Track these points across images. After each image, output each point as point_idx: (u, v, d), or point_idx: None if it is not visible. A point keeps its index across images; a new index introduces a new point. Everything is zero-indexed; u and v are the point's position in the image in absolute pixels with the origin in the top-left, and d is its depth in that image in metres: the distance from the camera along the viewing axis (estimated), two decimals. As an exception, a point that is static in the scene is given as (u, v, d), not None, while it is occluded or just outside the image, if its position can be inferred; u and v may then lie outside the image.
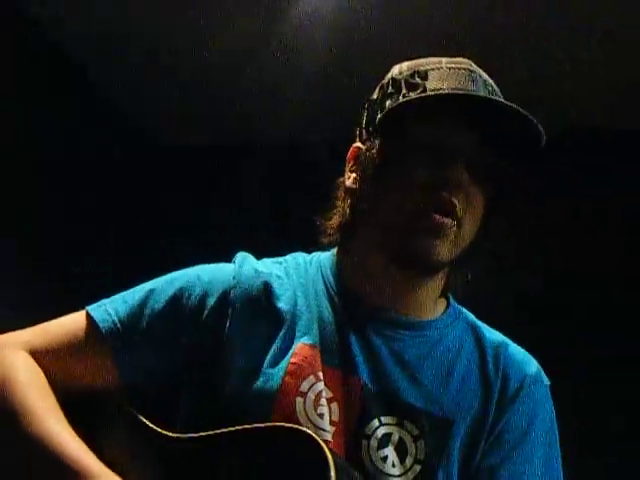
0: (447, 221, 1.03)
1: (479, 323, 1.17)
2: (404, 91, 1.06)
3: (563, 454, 1.10)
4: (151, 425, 1.05)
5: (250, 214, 3.23)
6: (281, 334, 1.07)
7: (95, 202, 3.11)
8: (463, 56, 1.10)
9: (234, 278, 1.11)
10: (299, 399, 1.03)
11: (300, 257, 1.19)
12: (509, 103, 1.02)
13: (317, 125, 3.02)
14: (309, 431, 0.94)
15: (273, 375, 1.04)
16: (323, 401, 1.03)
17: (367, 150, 1.10)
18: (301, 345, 1.06)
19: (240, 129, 3.37)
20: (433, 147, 1.04)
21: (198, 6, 2.68)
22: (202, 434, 1.00)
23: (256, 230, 3.05)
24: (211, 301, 1.10)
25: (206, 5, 2.67)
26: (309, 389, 1.03)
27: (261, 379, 1.04)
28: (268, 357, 1.06)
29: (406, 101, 1.04)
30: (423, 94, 1.04)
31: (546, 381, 1.12)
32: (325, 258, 1.16)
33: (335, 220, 1.13)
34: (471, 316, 1.18)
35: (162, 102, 3.31)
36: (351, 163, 1.13)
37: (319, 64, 2.64)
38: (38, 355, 1.08)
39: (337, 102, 2.64)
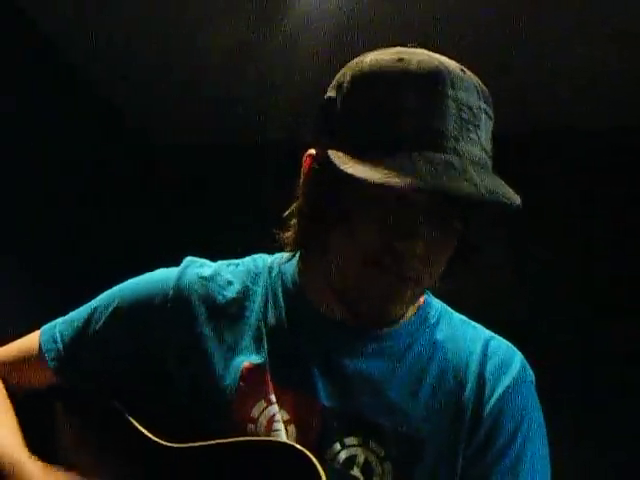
0: (401, 287, 0.93)
1: (456, 319, 1.07)
2: (362, 142, 0.89)
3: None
4: (141, 429, 1.04)
5: (247, 213, 3.22)
6: (226, 351, 1.02)
7: (92, 202, 3.11)
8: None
9: (172, 289, 1.06)
10: (250, 425, 0.98)
11: (260, 260, 1.11)
12: (482, 192, 0.83)
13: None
14: (306, 450, 0.89)
15: (221, 400, 0.99)
16: (278, 425, 0.97)
17: (317, 175, 0.96)
18: (249, 365, 1.00)
19: (238, 128, 3.36)
20: (386, 208, 0.91)
21: (196, 5, 2.67)
22: (192, 445, 0.98)
23: (253, 229, 3.04)
24: (148, 317, 1.06)
25: (204, 4, 2.66)
26: (260, 414, 0.98)
27: (209, 403, 1.00)
28: (215, 377, 1.01)
29: (360, 178, 0.86)
30: (385, 177, 0.84)
31: (530, 377, 1.03)
32: (288, 264, 1.07)
33: (291, 234, 1.02)
34: (447, 311, 1.08)
35: (159, 101, 3.31)
36: (304, 178, 0.99)
37: (318, 63, 2.62)
38: None
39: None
